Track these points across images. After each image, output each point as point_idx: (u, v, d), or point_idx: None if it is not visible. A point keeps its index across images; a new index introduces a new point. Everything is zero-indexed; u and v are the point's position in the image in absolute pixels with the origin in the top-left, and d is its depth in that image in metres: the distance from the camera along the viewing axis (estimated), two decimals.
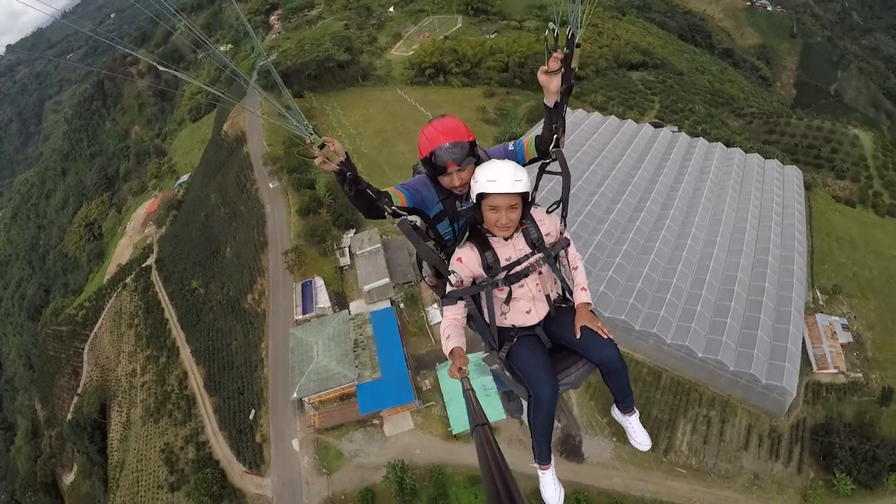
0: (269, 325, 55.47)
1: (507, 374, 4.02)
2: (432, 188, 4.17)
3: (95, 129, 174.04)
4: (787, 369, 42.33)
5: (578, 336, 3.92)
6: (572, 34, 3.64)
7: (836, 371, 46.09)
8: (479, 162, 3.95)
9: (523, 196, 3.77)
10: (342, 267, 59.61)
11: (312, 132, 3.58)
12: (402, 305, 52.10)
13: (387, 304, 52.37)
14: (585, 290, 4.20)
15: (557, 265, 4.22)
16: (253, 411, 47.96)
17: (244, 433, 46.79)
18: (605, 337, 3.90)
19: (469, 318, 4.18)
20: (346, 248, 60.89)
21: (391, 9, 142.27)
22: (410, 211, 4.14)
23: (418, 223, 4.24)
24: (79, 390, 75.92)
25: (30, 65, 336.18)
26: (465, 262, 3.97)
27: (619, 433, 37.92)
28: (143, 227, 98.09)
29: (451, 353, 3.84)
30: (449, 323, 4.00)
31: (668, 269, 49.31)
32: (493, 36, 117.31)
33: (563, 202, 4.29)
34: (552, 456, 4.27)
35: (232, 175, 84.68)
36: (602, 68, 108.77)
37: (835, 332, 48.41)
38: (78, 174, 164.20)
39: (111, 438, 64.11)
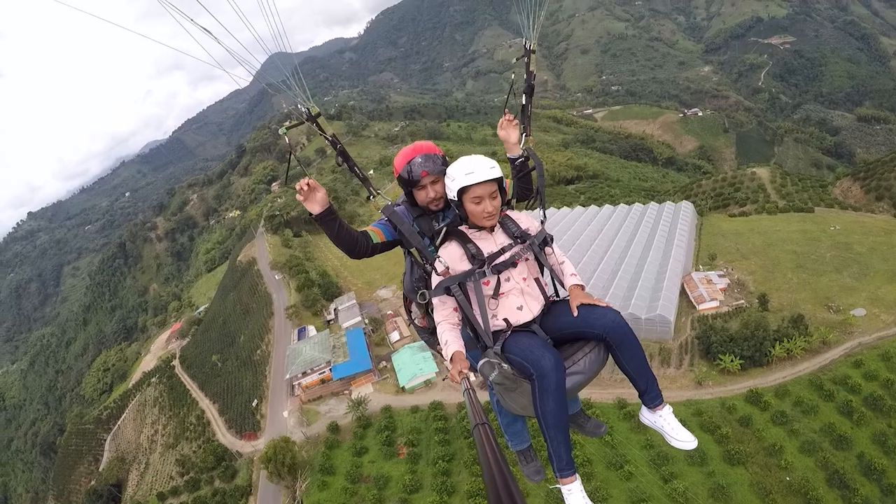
0: (273, 356, 69.00)
1: (507, 366, 3.60)
2: (408, 213, 4.33)
3: (117, 284, 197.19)
4: (663, 305, 56.01)
5: (576, 314, 3.77)
6: (529, 44, 4.38)
7: (717, 303, 57.90)
8: None
9: (499, 182, 3.86)
10: (329, 321, 75.02)
11: (311, 106, 3.96)
12: (369, 326, 68.58)
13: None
14: (576, 275, 4.12)
15: (544, 256, 4.11)
16: (256, 401, 59.51)
17: (247, 419, 57.79)
18: (604, 305, 3.76)
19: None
20: (333, 310, 76.31)
21: (371, 171, 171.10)
22: (389, 244, 4.31)
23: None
24: (100, 469, 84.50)
25: (50, 232, 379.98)
26: (448, 259, 3.92)
27: None
28: (166, 345, 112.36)
29: (451, 358, 3.66)
30: (445, 328, 3.87)
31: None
32: None
33: (539, 192, 4.36)
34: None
35: (245, 286, 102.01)
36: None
37: (711, 280, 61.44)
38: (98, 325, 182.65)
39: (125, 496, 72.37)
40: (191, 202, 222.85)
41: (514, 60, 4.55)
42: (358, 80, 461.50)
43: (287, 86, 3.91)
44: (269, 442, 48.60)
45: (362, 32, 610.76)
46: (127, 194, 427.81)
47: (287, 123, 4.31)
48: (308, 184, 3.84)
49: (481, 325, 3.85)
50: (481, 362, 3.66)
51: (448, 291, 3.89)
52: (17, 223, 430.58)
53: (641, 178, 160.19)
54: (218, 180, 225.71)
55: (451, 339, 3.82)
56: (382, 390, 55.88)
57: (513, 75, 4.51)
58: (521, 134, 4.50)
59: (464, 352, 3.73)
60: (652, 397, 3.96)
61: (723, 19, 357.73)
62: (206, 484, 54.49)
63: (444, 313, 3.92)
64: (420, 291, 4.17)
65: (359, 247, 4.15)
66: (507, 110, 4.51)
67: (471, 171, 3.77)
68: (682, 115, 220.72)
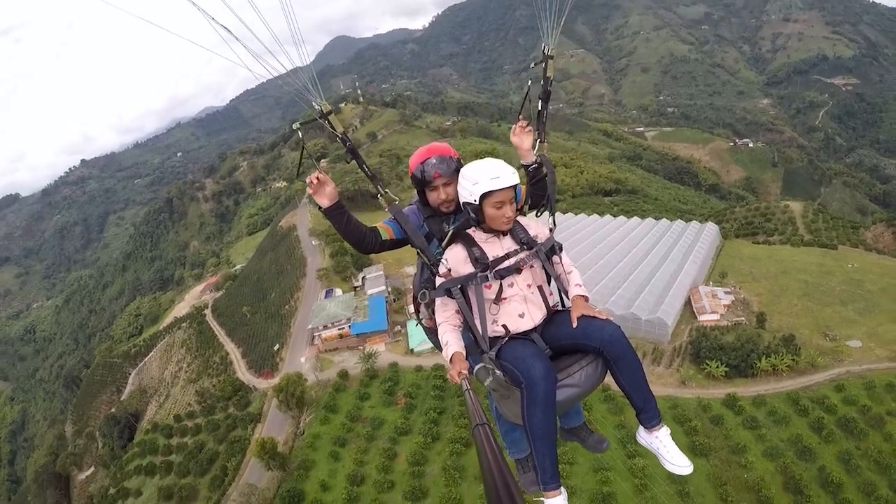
0: (299, 311, 75.69)
1: (499, 373, 3.65)
2: (418, 213, 4.47)
3: (159, 237, 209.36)
4: (664, 310, 60.01)
5: (575, 325, 3.76)
6: (546, 49, 4.36)
7: (717, 317, 61.17)
8: None
9: (515, 187, 3.91)
10: (356, 287, 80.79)
11: (323, 103, 3.98)
12: (391, 295, 73.60)
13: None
14: (581, 286, 4.08)
15: (551, 264, 4.10)
16: (277, 345, 66.02)
17: (267, 360, 64.13)
18: (604, 318, 3.73)
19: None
20: (361, 278, 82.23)
21: None
22: (399, 242, 4.39)
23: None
24: (121, 399, 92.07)
25: (100, 181, 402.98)
26: (452, 261, 3.98)
27: None
28: (200, 295, 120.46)
29: (451, 359, 3.74)
30: (446, 329, 3.95)
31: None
32: None
33: (549, 199, 4.39)
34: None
35: (283, 249, 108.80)
36: (578, 194, 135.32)
37: (716, 295, 64.73)
38: (136, 272, 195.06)
39: (142, 423, 79.42)
40: (240, 168, 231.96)
41: (532, 65, 4.53)
42: (417, 71, 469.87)
43: (302, 83, 3.98)
44: (283, 375, 54.94)
45: (427, 26, 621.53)
46: (179, 154, 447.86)
47: (300, 120, 4.43)
48: (318, 178, 4.03)
49: (479, 329, 3.87)
50: (477, 367, 3.67)
51: (449, 293, 3.94)
52: (70, 168, 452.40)
53: (682, 200, 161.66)
54: (269, 151, 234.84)
55: (451, 339, 3.87)
56: (393, 350, 61.66)
57: (529, 81, 4.49)
58: (535, 140, 4.48)
59: (464, 353, 3.78)
60: (649, 417, 3.89)
61: (788, 53, 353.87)
62: (221, 411, 61.25)
63: (446, 314, 3.98)
64: (421, 291, 4.21)
65: (366, 241, 4.30)
66: (521, 116, 4.52)
67: (496, 175, 3.77)
68: (732, 143, 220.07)
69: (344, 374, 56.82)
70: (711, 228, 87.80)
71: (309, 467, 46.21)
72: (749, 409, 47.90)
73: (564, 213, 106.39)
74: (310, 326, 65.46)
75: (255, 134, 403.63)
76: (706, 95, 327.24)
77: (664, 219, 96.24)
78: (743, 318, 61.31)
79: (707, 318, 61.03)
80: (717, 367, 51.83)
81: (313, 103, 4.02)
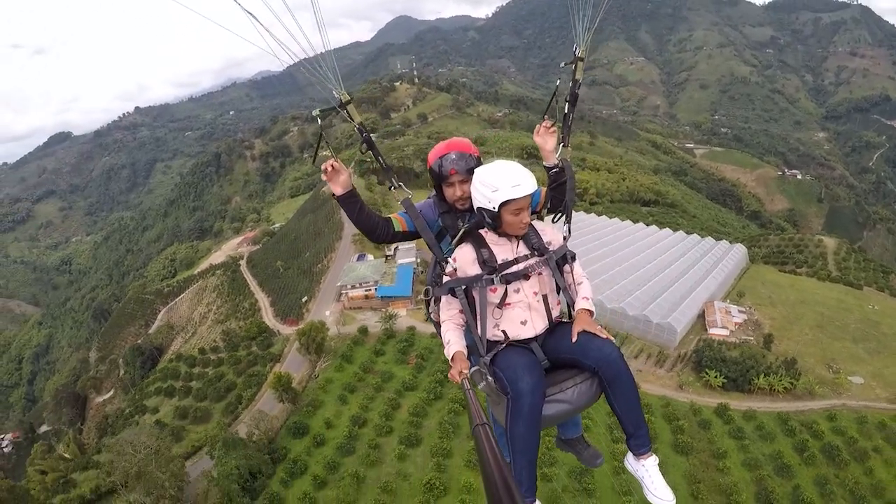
0: (331, 270, 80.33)
1: (491, 379, 3.65)
2: (434, 208, 4.42)
3: (203, 188, 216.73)
4: (675, 317, 62.59)
5: (575, 339, 3.68)
6: (578, 50, 4.35)
7: (727, 332, 62.96)
8: None
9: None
10: (387, 256, 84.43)
11: (342, 93, 3.96)
12: (419, 267, 77.34)
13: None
14: (588, 299, 3.99)
15: (561, 274, 4.01)
16: (306, 297, 70.42)
17: (293, 310, 68.71)
18: (604, 337, 3.65)
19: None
20: (393, 249, 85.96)
21: None
22: (412, 235, 4.36)
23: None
24: (149, 332, 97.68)
25: (152, 129, 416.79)
26: (460, 261, 3.92)
27: None
28: (237, 247, 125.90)
29: (452, 358, 3.73)
30: (448, 328, 3.92)
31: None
32: None
33: (567, 206, 4.29)
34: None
35: (323, 213, 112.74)
36: (616, 199, 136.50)
37: (729, 312, 66.41)
38: (177, 219, 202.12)
39: (166, 356, 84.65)
40: (290, 133, 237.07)
41: (562, 65, 4.49)
42: (475, 59, 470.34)
43: (320, 71, 3.89)
44: (308, 322, 59.45)
45: (490, 15, 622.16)
46: (231, 112, 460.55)
47: (320, 107, 4.38)
48: (333, 165, 4.04)
49: (478, 332, 3.82)
50: (472, 370, 3.67)
51: (452, 293, 3.91)
52: (124, 114, 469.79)
53: (720, 221, 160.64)
54: (321, 120, 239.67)
55: (453, 338, 3.85)
56: (413, 316, 65.53)
57: (558, 81, 4.40)
58: (559, 143, 4.40)
59: (465, 352, 3.76)
60: (639, 443, 3.82)
61: (850, 88, 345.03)
62: (244, 348, 66.48)
63: (451, 313, 3.95)
64: (426, 288, 4.23)
65: (379, 231, 4.28)
66: (546, 116, 4.45)
67: (517, 182, 3.65)
68: (780, 173, 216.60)
69: (364, 331, 61.24)
70: (739, 250, 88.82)
71: (317, 406, 50.65)
72: (738, 420, 50.11)
73: (599, 215, 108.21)
74: (339, 284, 70.06)
75: (309, 102, 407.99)
76: (762, 120, 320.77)
77: (695, 234, 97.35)
78: (751, 338, 63.05)
79: (716, 332, 62.98)
80: (716, 377, 54.11)
81: (333, 92, 4.00)
